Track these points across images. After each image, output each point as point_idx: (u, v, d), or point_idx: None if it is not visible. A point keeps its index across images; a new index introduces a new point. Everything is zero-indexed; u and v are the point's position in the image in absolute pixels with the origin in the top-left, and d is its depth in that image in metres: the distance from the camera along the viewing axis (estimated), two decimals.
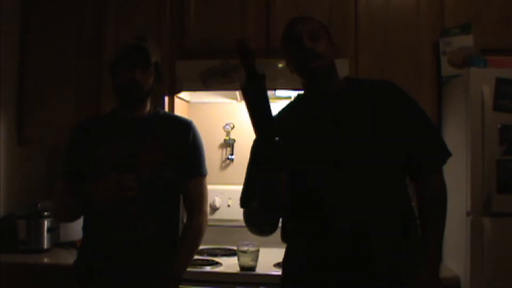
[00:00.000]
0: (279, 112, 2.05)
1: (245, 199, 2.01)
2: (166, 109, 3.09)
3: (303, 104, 2.02)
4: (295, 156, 1.77)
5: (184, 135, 2.30)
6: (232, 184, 3.40)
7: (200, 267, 2.73)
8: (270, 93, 3.07)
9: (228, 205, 3.36)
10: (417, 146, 1.89)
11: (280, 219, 1.98)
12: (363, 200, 1.78)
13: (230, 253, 3.02)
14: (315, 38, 1.89)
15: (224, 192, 3.39)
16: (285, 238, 1.98)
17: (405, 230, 1.85)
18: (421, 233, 1.89)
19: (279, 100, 3.21)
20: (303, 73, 1.94)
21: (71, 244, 3.21)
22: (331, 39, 1.97)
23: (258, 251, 2.70)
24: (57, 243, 3.25)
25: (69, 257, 2.86)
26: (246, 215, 2.00)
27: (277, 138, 1.61)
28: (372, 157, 1.82)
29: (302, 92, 2.06)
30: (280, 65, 2.91)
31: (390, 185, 1.85)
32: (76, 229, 2.78)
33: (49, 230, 3.17)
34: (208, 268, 2.74)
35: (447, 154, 1.94)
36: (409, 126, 1.88)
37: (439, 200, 1.91)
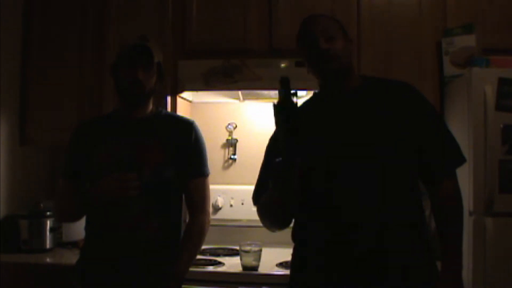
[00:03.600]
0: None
1: (258, 196, 2.01)
2: (169, 109, 3.09)
3: (319, 103, 2.01)
4: (308, 156, 1.77)
5: (187, 135, 2.31)
6: (234, 184, 3.39)
7: (202, 267, 2.73)
8: (273, 93, 3.10)
9: (231, 205, 3.36)
10: (431, 149, 1.88)
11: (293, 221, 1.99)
12: (374, 201, 1.78)
13: (232, 253, 3.02)
14: (330, 38, 1.87)
15: (227, 192, 3.38)
16: (294, 239, 1.99)
17: (416, 237, 1.85)
18: (440, 240, 1.87)
19: None
20: (320, 75, 1.93)
21: (73, 244, 3.22)
22: (347, 36, 1.95)
23: (260, 251, 2.70)
24: (59, 243, 3.26)
25: (71, 257, 2.86)
26: (259, 208, 2.00)
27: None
28: (385, 158, 1.81)
29: (318, 91, 2.06)
30: (282, 65, 2.91)
31: (402, 186, 1.84)
32: (78, 229, 2.79)
33: (51, 230, 3.17)
34: (210, 268, 2.74)
35: (461, 159, 1.93)
36: (423, 129, 1.88)
37: (454, 204, 1.89)
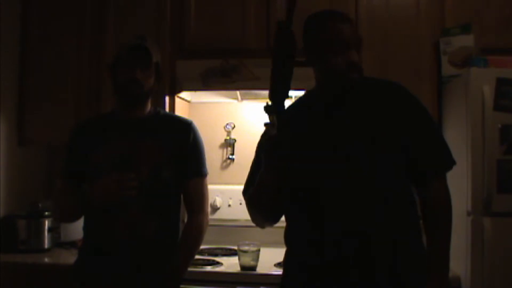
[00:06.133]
0: (288, 108, 2.05)
1: (248, 188, 2.01)
2: (167, 109, 3.09)
3: (310, 102, 2.01)
4: (297, 155, 1.76)
5: (185, 135, 2.31)
6: (232, 184, 3.40)
7: (201, 267, 2.73)
8: None
9: (229, 205, 3.37)
10: (421, 151, 1.87)
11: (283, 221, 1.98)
12: (363, 203, 1.77)
13: (230, 253, 3.02)
14: (349, 48, 1.83)
15: (225, 192, 3.39)
16: (287, 241, 1.98)
17: (408, 237, 1.84)
18: (427, 242, 1.86)
19: None
20: (324, 76, 1.89)
21: (71, 244, 3.22)
22: (360, 47, 1.90)
23: (258, 250, 2.70)
24: (57, 243, 3.26)
25: (69, 257, 2.86)
26: (248, 199, 2.00)
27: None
28: (374, 159, 1.80)
29: (308, 90, 2.05)
30: None
31: (392, 187, 1.83)
32: (76, 229, 2.79)
33: (49, 230, 3.17)
34: (209, 268, 2.74)
35: (451, 162, 1.92)
36: (413, 130, 1.86)
37: (443, 207, 1.88)
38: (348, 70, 1.83)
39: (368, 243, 1.76)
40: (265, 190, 1.87)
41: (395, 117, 1.86)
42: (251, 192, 1.96)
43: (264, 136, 1.99)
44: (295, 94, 3.07)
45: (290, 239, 1.96)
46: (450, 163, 1.92)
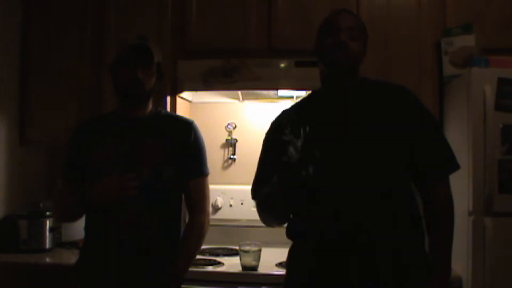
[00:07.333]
0: (292, 106, 2.05)
1: (257, 188, 2.01)
2: (168, 109, 3.09)
3: (315, 100, 2.01)
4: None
5: (186, 135, 2.30)
6: (234, 184, 3.40)
7: (202, 266, 2.73)
8: (272, 93, 3.10)
9: (230, 205, 3.36)
10: (424, 153, 1.88)
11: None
12: (367, 202, 1.78)
13: (232, 253, 3.02)
14: (352, 38, 1.89)
15: (226, 192, 3.39)
16: (289, 236, 1.98)
17: (410, 235, 1.84)
18: (429, 243, 1.87)
19: (281, 100, 3.21)
20: (327, 62, 1.92)
21: (73, 244, 3.21)
22: (366, 45, 1.96)
23: (260, 250, 2.70)
24: (59, 243, 3.26)
25: (71, 257, 2.86)
26: (258, 202, 2.00)
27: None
28: (377, 160, 1.81)
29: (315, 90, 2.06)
30: (282, 65, 2.91)
31: (395, 188, 1.84)
32: (78, 229, 2.79)
33: (51, 230, 3.17)
34: (210, 268, 2.74)
35: (454, 165, 1.93)
36: (416, 132, 1.87)
37: (445, 210, 1.89)
38: (333, 49, 1.87)
39: (370, 242, 1.76)
40: (277, 198, 1.87)
41: (397, 119, 1.86)
42: (262, 197, 1.97)
43: (269, 135, 2.00)
44: (296, 95, 3.09)
45: (293, 238, 1.97)
46: (453, 166, 1.92)
